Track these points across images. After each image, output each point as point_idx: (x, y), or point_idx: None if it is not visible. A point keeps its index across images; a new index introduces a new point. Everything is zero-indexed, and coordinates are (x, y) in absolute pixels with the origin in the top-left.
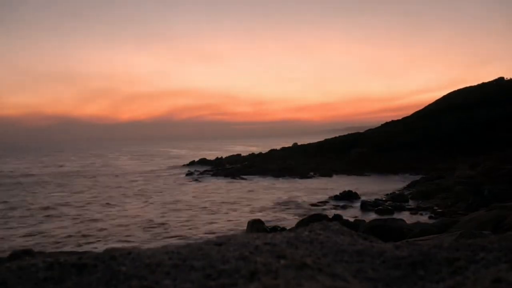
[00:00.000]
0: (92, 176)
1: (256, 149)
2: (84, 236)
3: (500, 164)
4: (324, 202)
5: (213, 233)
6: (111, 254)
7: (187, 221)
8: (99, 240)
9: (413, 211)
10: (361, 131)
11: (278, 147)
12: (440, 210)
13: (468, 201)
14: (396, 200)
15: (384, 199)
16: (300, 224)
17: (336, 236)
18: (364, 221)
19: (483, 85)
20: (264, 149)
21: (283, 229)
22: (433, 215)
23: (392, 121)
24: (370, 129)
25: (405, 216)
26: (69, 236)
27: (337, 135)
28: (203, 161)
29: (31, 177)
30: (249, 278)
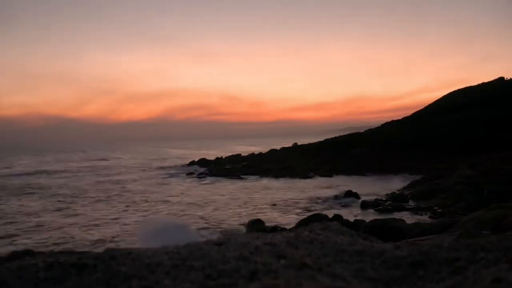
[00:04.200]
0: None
1: (256, 149)
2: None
3: (500, 164)
4: (324, 202)
5: (213, 233)
6: (111, 254)
7: (187, 220)
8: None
9: (413, 211)
10: (361, 131)
11: (278, 147)
12: (440, 210)
13: (468, 201)
14: (396, 200)
15: (384, 199)
16: (300, 224)
17: (336, 236)
18: (364, 221)
19: (483, 85)
20: (264, 149)
21: (283, 229)
22: (433, 215)
23: (392, 121)
24: (370, 129)
25: (405, 216)
26: None
27: (337, 135)
28: (203, 161)
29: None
30: (249, 278)
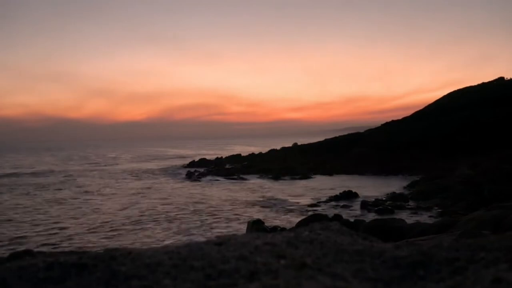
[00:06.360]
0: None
1: (256, 149)
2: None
3: (500, 164)
4: (324, 202)
5: (213, 233)
6: (111, 254)
7: (188, 220)
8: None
9: (413, 211)
10: (361, 131)
11: (278, 147)
12: (440, 210)
13: (468, 201)
14: (396, 200)
15: (384, 199)
16: (300, 224)
17: (336, 236)
18: (364, 221)
19: (483, 85)
20: (264, 149)
21: (283, 229)
22: (433, 215)
23: (392, 121)
24: (370, 129)
25: (405, 216)
26: None
27: (337, 135)
28: (203, 161)
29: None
30: (249, 278)
